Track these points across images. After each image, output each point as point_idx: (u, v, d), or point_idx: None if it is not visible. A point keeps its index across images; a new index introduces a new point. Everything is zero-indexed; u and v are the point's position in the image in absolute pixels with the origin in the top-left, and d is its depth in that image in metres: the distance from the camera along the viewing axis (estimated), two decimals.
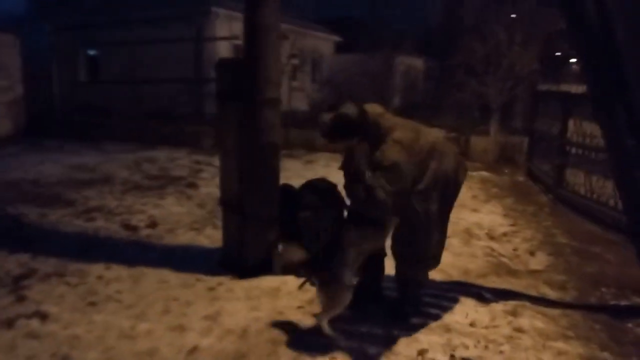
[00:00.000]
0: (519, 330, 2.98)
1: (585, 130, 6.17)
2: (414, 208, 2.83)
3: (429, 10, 23.71)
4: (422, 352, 2.75)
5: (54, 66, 13.50)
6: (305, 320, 3.14)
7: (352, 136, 2.89)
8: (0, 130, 11.31)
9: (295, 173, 7.44)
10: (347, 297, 2.84)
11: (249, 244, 3.76)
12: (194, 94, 12.83)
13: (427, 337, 2.88)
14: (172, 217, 5.57)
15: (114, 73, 14.11)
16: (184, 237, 4.88)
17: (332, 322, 3.12)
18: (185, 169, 8.51)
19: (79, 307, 3.32)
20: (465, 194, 6.51)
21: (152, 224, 5.26)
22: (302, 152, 10.34)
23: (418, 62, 18.62)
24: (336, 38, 19.64)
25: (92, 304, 3.37)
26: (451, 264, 4.17)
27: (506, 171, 9.03)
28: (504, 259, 4.49)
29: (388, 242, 3.15)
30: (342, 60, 17.05)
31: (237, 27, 13.86)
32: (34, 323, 3.07)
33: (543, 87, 9.79)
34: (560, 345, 2.84)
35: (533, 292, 3.70)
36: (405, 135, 2.83)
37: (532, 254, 4.70)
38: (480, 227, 5.47)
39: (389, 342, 2.86)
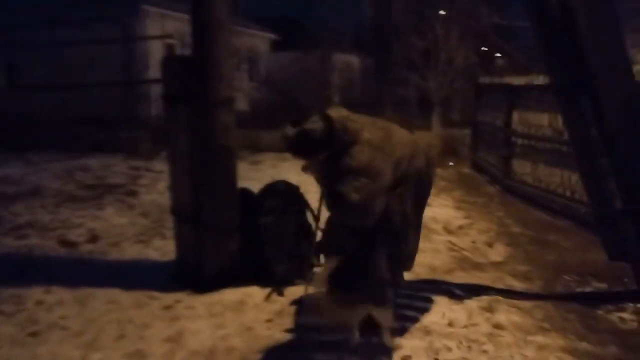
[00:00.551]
0: (498, 326, 2.92)
1: (530, 121, 6.32)
2: (391, 210, 2.67)
3: (362, 8, 23.95)
4: (406, 359, 2.61)
5: None
6: (276, 335, 2.93)
7: (319, 152, 2.64)
8: None
9: (242, 175, 7.11)
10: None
11: (207, 256, 3.48)
12: (127, 97, 12.17)
13: (409, 342, 2.76)
14: (114, 229, 5.17)
15: (37, 77, 13.13)
16: (130, 251, 4.51)
17: (306, 332, 2.94)
18: (122, 176, 8.01)
19: (19, 339, 2.93)
20: None
21: (93, 238, 4.84)
22: (247, 153, 10.04)
23: (354, 60, 18.72)
24: (272, 36, 19.38)
25: (34, 334, 2.98)
26: (417, 261, 4.04)
27: (451, 164, 9.16)
28: (466, 253, 4.47)
29: None
30: (279, 58, 16.84)
31: (170, 25, 13.32)
32: None
33: (485, 80, 10.03)
34: (540, 339, 2.80)
35: (500, 285, 3.67)
36: (375, 135, 2.65)
37: (490, 245, 4.72)
38: (436, 222, 5.44)
39: (370, 350, 2.70)
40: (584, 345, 2.74)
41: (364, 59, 18.69)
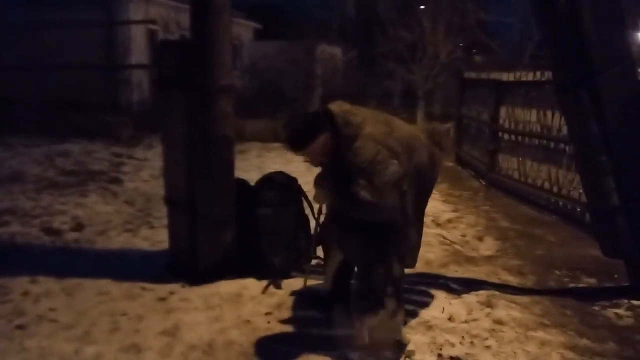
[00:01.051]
0: (499, 322, 2.91)
1: (518, 117, 6.36)
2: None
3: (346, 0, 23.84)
4: (409, 354, 2.59)
5: None
6: (276, 328, 2.88)
7: (316, 137, 2.59)
8: None
9: None
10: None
11: (203, 246, 3.40)
12: (108, 81, 11.86)
13: (411, 337, 2.73)
14: (100, 217, 5.03)
15: (13, 58, 12.66)
16: (117, 240, 4.40)
17: (305, 327, 2.90)
18: (104, 162, 7.79)
19: (5, 332, 2.80)
20: None
21: (78, 227, 4.70)
22: None
23: (337, 51, 18.61)
24: (255, 25, 19.12)
25: (21, 327, 2.86)
26: None
27: None
28: (457, 247, 4.48)
29: None
30: (262, 47, 16.62)
31: (154, 10, 13.01)
32: None
33: (470, 74, 10.06)
34: (541, 334, 2.80)
35: (495, 280, 3.69)
36: (378, 130, 2.62)
37: (480, 239, 4.74)
38: (425, 214, 5.43)
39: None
40: (584, 342, 2.76)
41: (348, 51, 18.61)
